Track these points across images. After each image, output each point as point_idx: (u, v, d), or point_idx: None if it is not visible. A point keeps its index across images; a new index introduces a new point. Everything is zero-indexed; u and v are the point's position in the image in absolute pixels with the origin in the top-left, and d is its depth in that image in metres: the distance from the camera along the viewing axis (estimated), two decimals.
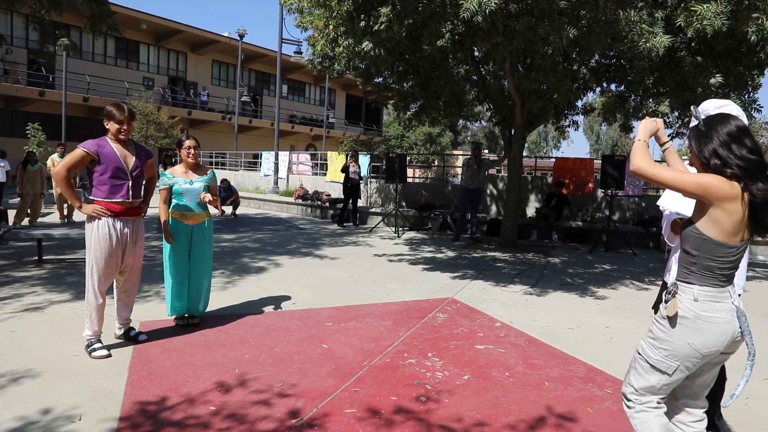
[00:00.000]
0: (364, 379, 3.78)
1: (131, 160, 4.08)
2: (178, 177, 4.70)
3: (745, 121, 2.56)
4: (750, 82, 7.87)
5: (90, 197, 4.08)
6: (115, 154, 3.99)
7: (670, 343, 2.16)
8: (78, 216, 11.83)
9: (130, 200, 4.08)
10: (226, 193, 14.87)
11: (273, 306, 5.61)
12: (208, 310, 5.12)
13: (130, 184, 4.05)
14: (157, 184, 4.69)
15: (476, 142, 12.63)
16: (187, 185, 4.67)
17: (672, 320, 2.15)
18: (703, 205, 2.10)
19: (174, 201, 4.71)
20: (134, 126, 4.26)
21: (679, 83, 7.50)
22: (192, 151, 4.71)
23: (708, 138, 2.11)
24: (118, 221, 4.03)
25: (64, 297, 5.58)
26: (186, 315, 4.85)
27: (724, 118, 2.15)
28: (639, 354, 2.30)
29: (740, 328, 2.12)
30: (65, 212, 11.86)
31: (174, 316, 4.84)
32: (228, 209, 14.84)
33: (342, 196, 13.94)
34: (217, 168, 25.29)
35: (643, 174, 2.15)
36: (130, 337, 4.38)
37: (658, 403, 2.28)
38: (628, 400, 2.33)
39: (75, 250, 8.19)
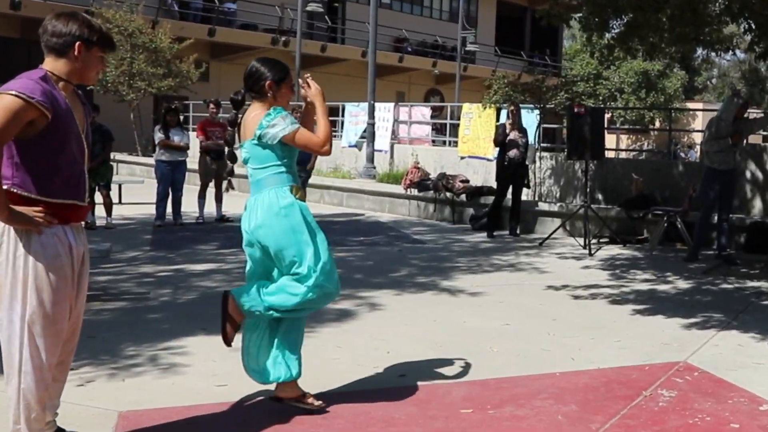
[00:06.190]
0: None
1: (84, 124, 2.41)
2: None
3: None
4: None
5: (25, 193, 2.25)
6: (71, 113, 2.29)
7: None
8: None
9: (85, 198, 2.43)
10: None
11: (365, 378, 3.68)
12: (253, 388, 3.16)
13: (86, 169, 2.45)
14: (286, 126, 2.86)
15: (739, 94, 9.56)
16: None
17: None
18: None
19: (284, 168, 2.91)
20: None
21: None
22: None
23: None
24: (70, 233, 2.38)
25: None
26: None
27: None
28: None
29: None
30: None
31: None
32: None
33: (492, 184, 9.68)
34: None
35: None
36: None
37: None
38: None
39: None
